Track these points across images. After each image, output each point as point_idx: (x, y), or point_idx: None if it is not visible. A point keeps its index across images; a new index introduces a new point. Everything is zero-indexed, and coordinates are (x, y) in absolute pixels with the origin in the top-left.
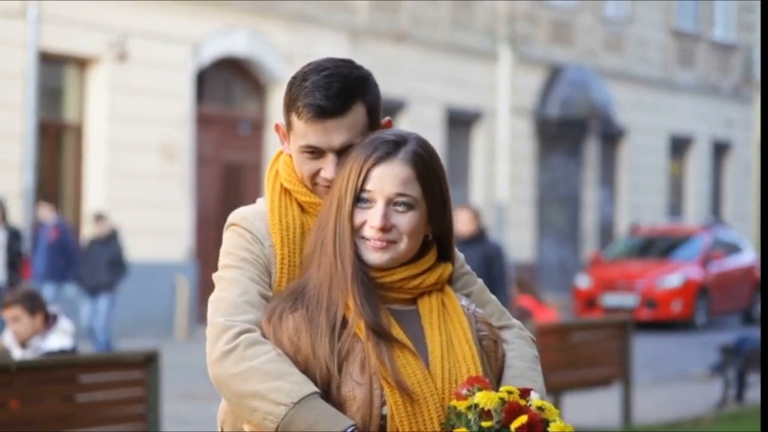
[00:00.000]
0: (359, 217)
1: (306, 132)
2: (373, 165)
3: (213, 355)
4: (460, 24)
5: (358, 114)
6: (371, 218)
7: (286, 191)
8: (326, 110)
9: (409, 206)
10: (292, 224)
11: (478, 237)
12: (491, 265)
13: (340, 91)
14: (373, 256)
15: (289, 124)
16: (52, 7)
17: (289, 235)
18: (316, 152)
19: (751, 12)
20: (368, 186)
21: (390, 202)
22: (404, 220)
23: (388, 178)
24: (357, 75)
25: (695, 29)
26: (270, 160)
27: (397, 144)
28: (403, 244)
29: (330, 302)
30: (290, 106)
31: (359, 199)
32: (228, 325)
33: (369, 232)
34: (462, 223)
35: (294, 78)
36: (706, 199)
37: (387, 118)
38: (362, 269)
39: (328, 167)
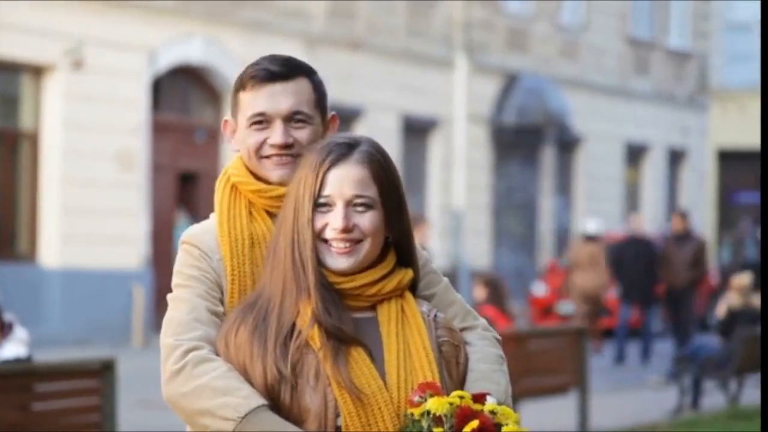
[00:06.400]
0: (319, 222)
1: (254, 99)
2: (329, 168)
3: (164, 375)
4: (416, 31)
5: (303, 84)
6: (332, 221)
7: (236, 193)
8: (273, 73)
9: (368, 206)
10: (240, 235)
11: None
12: None
13: (286, 60)
14: (338, 260)
15: (236, 107)
16: (7, 14)
17: (238, 246)
18: (263, 122)
19: (706, 20)
20: (326, 190)
21: (349, 204)
22: (365, 220)
23: (345, 180)
24: (303, 61)
25: (651, 37)
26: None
27: (350, 146)
28: (367, 244)
29: (282, 310)
30: (238, 88)
31: (317, 204)
32: (176, 345)
33: (331, 234)
34: None
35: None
36: (661, 206)
37: (332, 113)
38: (323, 275)
39: (275, 133)
